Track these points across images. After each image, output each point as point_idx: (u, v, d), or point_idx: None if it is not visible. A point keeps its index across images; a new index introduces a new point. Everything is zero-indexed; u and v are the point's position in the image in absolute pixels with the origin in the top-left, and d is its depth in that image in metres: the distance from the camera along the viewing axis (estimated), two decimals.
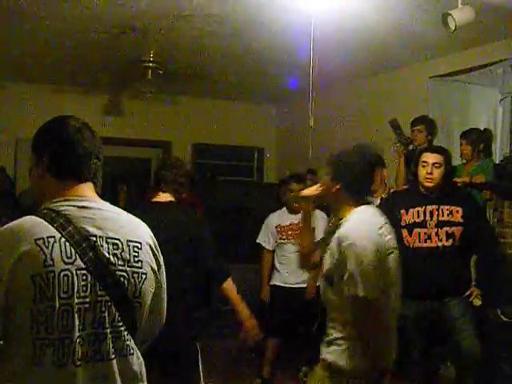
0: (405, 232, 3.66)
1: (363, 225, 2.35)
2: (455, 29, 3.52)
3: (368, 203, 2.50)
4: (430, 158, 3.63)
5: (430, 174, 3.58)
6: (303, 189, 4.52)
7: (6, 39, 5.11)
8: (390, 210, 3.78)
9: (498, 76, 4.51)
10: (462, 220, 3.59)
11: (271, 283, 5.02)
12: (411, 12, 4.00)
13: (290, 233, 4.84)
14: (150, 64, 5.49)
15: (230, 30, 4.60)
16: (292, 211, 4.82)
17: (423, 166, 3.62)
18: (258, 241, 5.09)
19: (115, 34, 4.74)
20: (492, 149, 4.59)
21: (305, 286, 4.73)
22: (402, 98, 5.75)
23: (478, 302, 3.96)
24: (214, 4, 3.98)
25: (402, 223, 3.66)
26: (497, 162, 4.41)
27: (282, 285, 4.93)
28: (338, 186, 2.42)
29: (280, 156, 8.47)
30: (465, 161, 4.55)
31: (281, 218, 4.93)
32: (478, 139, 4.48)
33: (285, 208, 4.96)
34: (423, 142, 4.86)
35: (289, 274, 4.87)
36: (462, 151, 4.56)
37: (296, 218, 4.60)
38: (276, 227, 4.91)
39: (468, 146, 4.48)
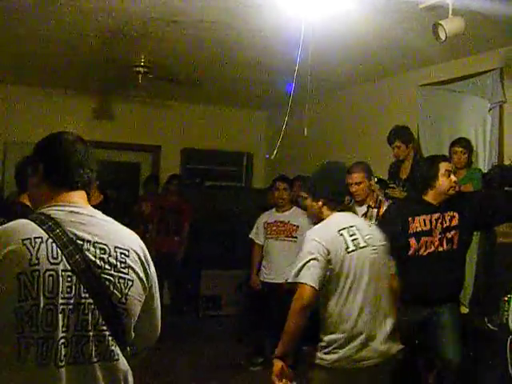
0: (412, 240, 3.64)
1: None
2: (446, 39, 3.56)
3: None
4: (449, 166, 3.68)
5: (455, 182, 3.62)
6: (287, 188, 5.25)
7: None
8: (396, 217, 3.75)
9: (487, 86, 4.55)
10: (458, 223, 3.60)
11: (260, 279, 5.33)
12: (402, 21, 4.03)
13: (274, 229, 5.25)
14: (141, 69, 5.46)
15: (222, 37, 4.60)
16: (278, 210, 5.30)
17: (447, 176, 3.61)
18: (250, 236, 5.49)
19: (107, 37, 4.73)
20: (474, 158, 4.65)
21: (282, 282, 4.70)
22: (392, 106, 5.79)
23: (465, 310, 3.99)
24: (207, 11, 3.98)
25: (410, 231, 3.63)
26: (485, 171, 4.43)
27: (264, 280, 5.26)
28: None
29: (269, 162, 8.46)
30: (455, 169, 4.55)
31: (269, 216, 5.37)
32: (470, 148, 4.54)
33: (274, 208, 5.39)
34: (405, 154, 4.92)
35: (270, 270, 5.21)
36: (457, 159, 4.57)
37: (281, 217, 5.23)
38: (264, 223, 5.34)
39: (465, 154, 4.52)
